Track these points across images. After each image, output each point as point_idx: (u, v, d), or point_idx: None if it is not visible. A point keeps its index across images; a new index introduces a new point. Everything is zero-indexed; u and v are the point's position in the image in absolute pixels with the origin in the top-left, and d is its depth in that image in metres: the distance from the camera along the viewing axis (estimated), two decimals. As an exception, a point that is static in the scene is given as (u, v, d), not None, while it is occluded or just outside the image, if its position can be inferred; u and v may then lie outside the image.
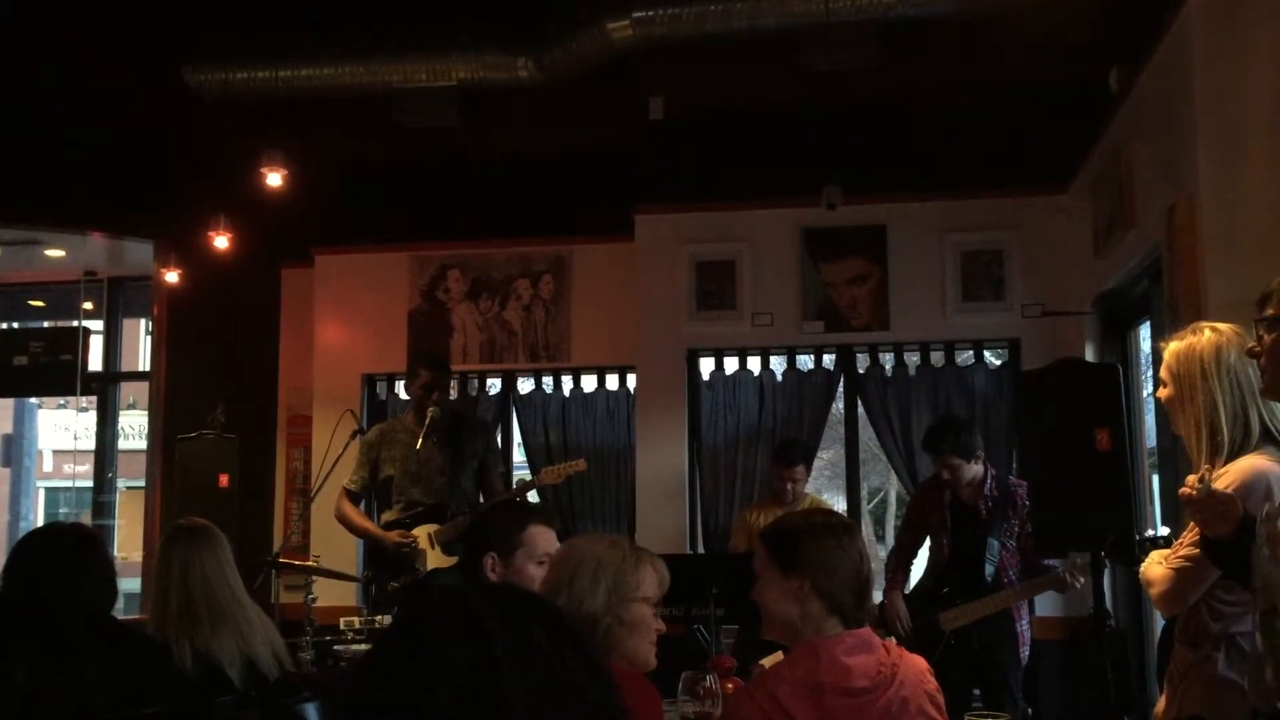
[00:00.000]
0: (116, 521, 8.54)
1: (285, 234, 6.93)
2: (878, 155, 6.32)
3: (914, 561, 5.43)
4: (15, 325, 9.06)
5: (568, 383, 6.91)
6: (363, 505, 5.60)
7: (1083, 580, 4.58)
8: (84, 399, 8.28)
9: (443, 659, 0.92)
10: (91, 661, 2.90)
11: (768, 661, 2.75)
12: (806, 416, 6.43)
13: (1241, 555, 2.24)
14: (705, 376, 6.56)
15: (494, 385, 7.05)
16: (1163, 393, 2.78)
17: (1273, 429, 2.61)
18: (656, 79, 5.95)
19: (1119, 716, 4.45)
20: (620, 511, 6.62)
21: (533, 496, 6.52)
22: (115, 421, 8.34)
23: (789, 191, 6.31)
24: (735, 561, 4.68)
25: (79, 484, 9.61)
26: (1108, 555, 3.69)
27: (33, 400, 12.72)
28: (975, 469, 4.98)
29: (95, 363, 8.06)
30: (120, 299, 8.24)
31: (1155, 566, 2.73)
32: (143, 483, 7.62)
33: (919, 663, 2.36)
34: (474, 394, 6.99)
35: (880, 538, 16.28)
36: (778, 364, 6.63)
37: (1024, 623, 5.00)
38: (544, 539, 2.96)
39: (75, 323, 8.00)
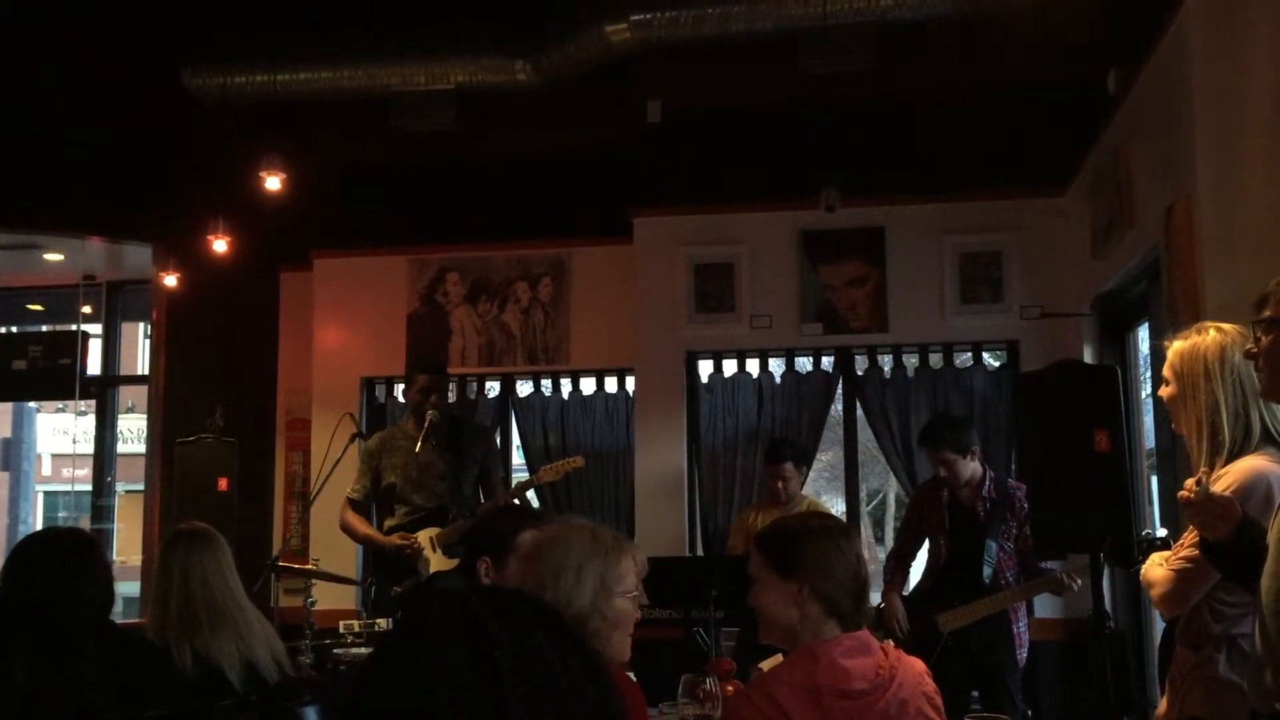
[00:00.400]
0: (115, 525, 8.53)
1: (284, 237, 6.93)
2: (876, 157, 6.33)
3: (913, 563, 5.43)
4: (14, 329, 9.06)
5: (566, 385, 6.91)
6: (366, 513, 5.60)
7: (1080, 582, 4.59)
8: (83, 403, 8.27)
9: (443, 661, 0.91)
10: (91, 665, 2.90)
11: (767, 664, 2.75)
12: (805, 418, 6.43)
13: (1240, 557, 2.24)
14: (704, 379, 6.56)
15: (493, 388, 7.05)
16: (1165, 391, 2.78)
17: (1273, 430, 2.61)
18: (655, 81, 5.95)
19: (1118, 718, 4.45)
20: (619, 514, 6.62)
21: (532, 497, 6.53)
22: (114, 425, 8.33)
23: (787, 193, 6.31)
24: (734, 563, 4.66)
25: (78, 488, 9.59)
26: (1106, 557, 3.69)
27: (31, 404, 12.73)
28: (972, 467, 4.98)
29: (94, 366, 8.06)
30: (119, 302, 8.23)
31: (1156, 568, 2.73)
32: (142, 486, 7.62)
33: (917, 664, 2.36)
34: (473, 397, 6.99)
35: (879, 539, 16.28)
36: (776, 366, 6.63)
37: (1022, 624, 5.00)
38: None
39: (74, 326, 7.99)
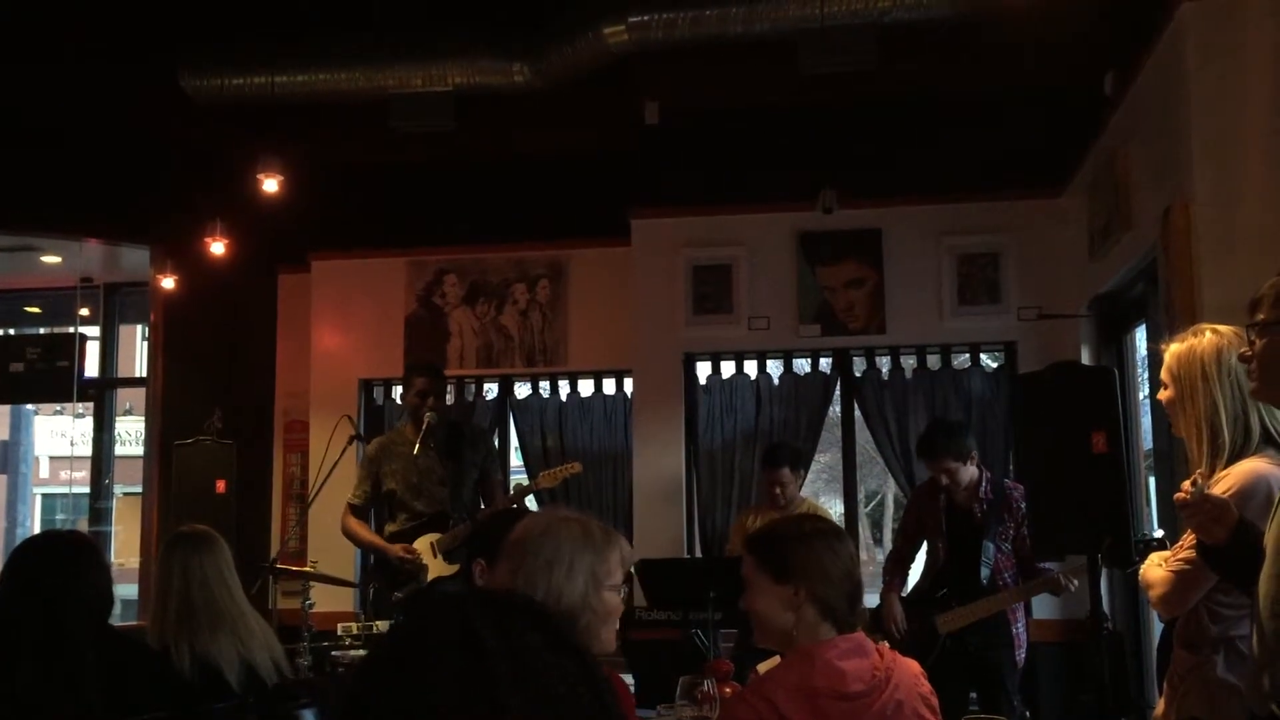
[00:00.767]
0: (113, 528, 8.52)
1: (282, 239, 6.93)
2: (873, 159, 6.33)
3: (911, 565, 5.43)
4: (11, 332, 9.05)
5: (565, 387, 6.91)
6: (367, 517, 5.61)
7: (1076, 583, 4.59)
8: (80, 405, 8.26)
9: (437, 665, 0.91)
10: (90, 668, 2.90)
11: (765, 666, 2.75)
12: (803, 420, 6.44)
13: (1238, 560, 2.24)
14: (702, 380, 6.57)
15: (491, 390, 7.05)
16: (1163, 394, 2.78)
17: (1273, 431, 2.61)
18: (652, 83, 5.95)
19: (1116, 719, 4.46)
20: (618, 515, 6.62)
21: (531, 500, 6.52)
22: (112, 427, 8.32)
23: (785, 195, 6.32)
24: (733, 565, 4.66)
25: (76, 490, 9.58)
26: (1104, 558, 3.69)
27: (29, 407, 12.73)
28: (971, 470, 4.99)
29: (92, 369, 8.05)
30: (117, 305, 8.22)
31: (1155, 569, 2.74)
32: (140, 489, 7.61)
33: (912, 665, 2.36)
34: (471, 399, 6.99)
35: (878, 540, 16.29)
36: (774, 367, 6.64)
37: (1020, 625, 5.00)
38: None
39: (71, 329, 7.98)
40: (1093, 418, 3.75)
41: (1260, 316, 2.23)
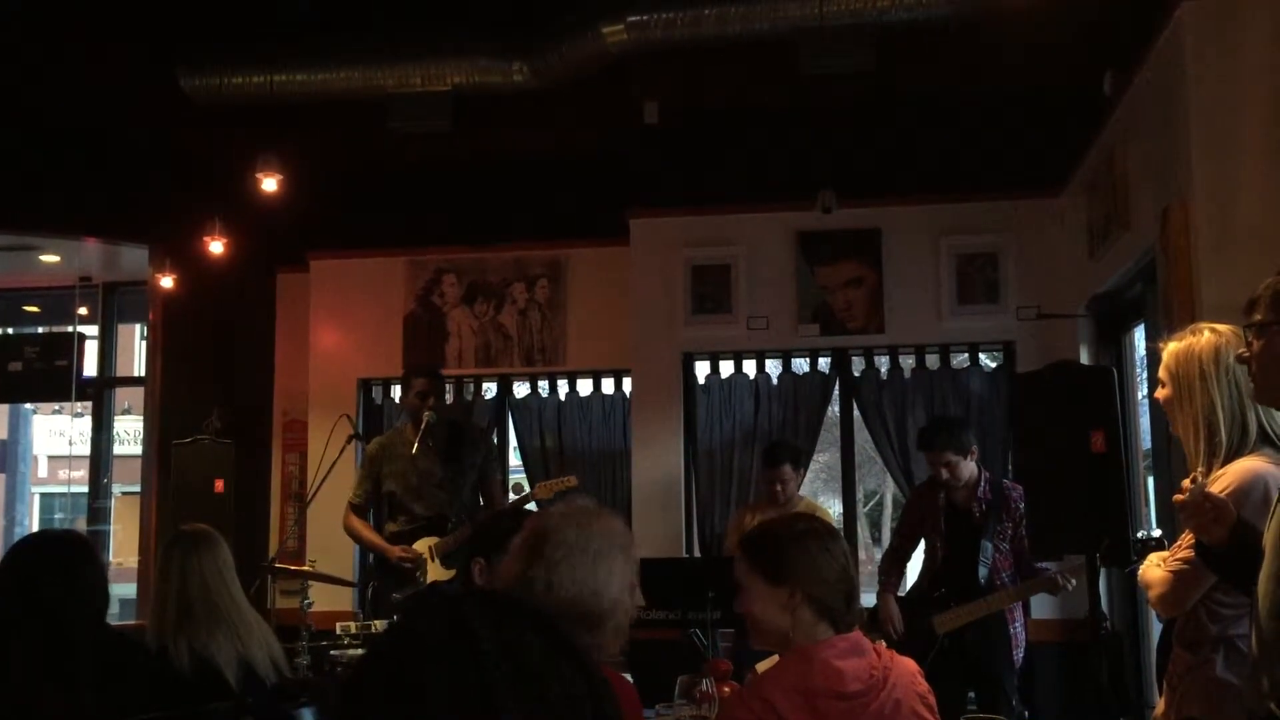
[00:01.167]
0: (112, 527, 8.52)
1: (280, 239, 6.93)
2: (872, 158, 6.33)
3: (908, 564, 5.43)
4: (10, 331, 9.05)
5: (563, 387, 6.91)
6: (367, 516, 5.61)
7: (1074, 582, 4.60)
8: (79, 404, 8.25)
9: (432, 666, 0.91)
10: (87, 667, 2.90)
11: (764, 666, 2.75)
12: (802, 419, 6.44)
13: (1237, 561, 2.24)
14: (701, 380, 6.56)
15: (490, 389, 7.05)
16: (1161, 393, 2.78)
17: (1270, 430, 2.61)
18: (651, 83, 5.95)
19: (1115, 718, 4.46)
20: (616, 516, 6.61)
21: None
22: (110, 427, 8.32)
23: (784, 195, 6.32)
24: (731, 565, 4.67)
25: (74, 489, 9.57)
26: (1103, 558, 3.70)
27: (28, 406, 12.71)
28: (971, 466, 4.99)
29: (90, 368, 8.05)
30: (115, 304, 8.22)
31: (1154, 569, 2.73)
32: (138, 488, 7.61)
33: (909, 664, 2.36)
34: (470, 398, 6.98)
35: (877, 540, 16.29)
36: (773, 367, 6.64)
37: (1018, 625, 5.00)
38: None
39: (70, 328, 7.98)
40: (1091, 417, 3.75)
41: (1257, 317, 2.23)
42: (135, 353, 10.65)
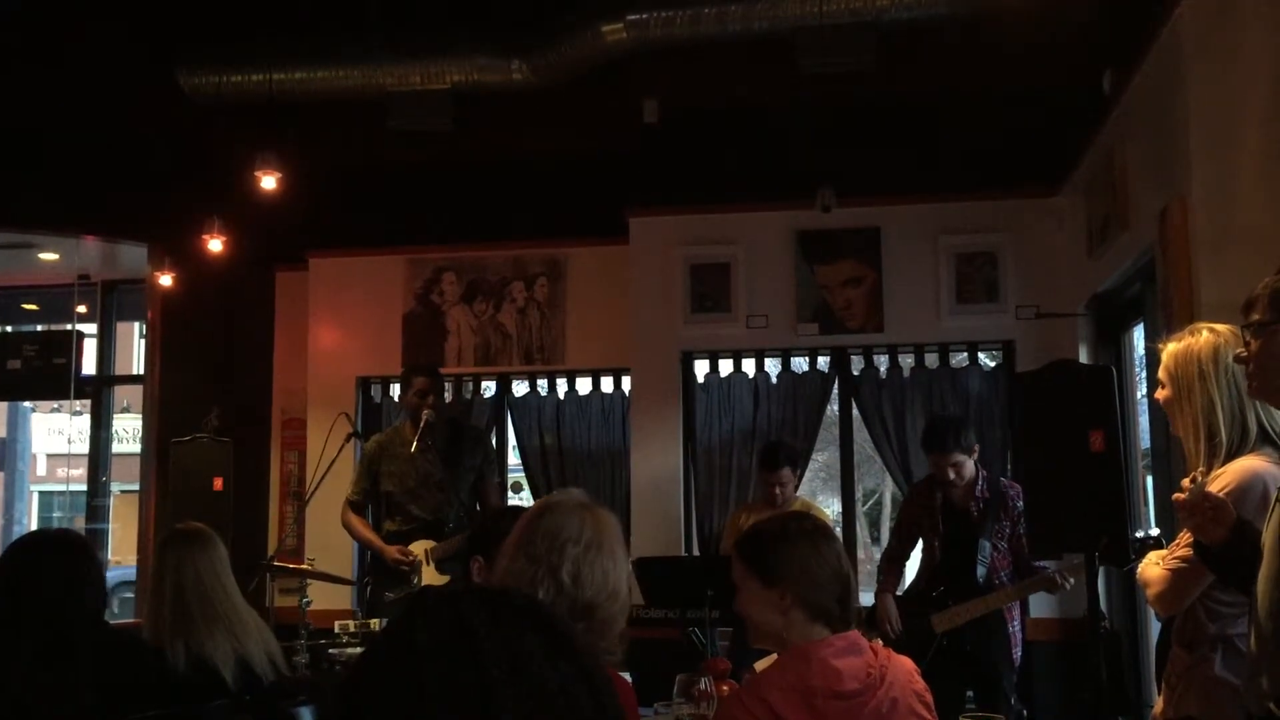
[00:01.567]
0: (110, 525, 8.52)
1: (279, 237, 6.92)
2: (871, 158, 6.33)
3: (906, 563, 5.43)
4: (8, 329, 9.04)
5: (562, 385, 6.91)
6: (365, 513, 5.61)
7: (1072, 581, 4.60)
8: (78, 403, 8.25)
9: (430, 663, 0.91)
10: (86, 666, 2.89)
11: (762, 665, 2.75)
12: (801, 419, 6.44)
13: (1236, 560, 2.24)
14: (700, 379, 6.56)
15: (489, 388, 7.04)
16: (1161, 394, 2.78)
17: (1270, 430, 2.61)
18: (651, 81, 5.95)
19: (1113, 717, 4.46)
20: (615, 514, 6.59)
21: (526, 499, 6.52)
22: (109, 425, 8.32)
23: (783, 194, 6.31)
24: (730, 564, 4.67)
25: (73, 488, 9.57)
26: (1101, 557, 3.70)
27: (26, 404, 12.72)
28: (972, 465, 4.99)
29: (89, 366, 8.05)
30: (114, 302, 8.22)
31: (1152, 567, 2.74)
32: (137, 486, 7.61)
33: (906, 663, 2.36)
34: (469, 397, 6.98)
35: (875, 539, 16.29)
36: (772, 366, 6.64)
37: (1016, 624, 5.00)
38: None
39: (69, 326, 7.98)
40: (1090, 417, 3.75)
41: (1255, 317, 2.23)
42: (134, 351, 10.65)
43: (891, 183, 6.28)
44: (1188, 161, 4.04)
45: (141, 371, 7.77)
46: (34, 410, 13.80)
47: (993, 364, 6.52)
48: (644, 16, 5.15)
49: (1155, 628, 4.62)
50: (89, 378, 8.03)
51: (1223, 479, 2.53)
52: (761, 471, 5.56)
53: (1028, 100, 5.91)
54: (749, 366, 6.54)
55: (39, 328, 8.78)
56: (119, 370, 8.67)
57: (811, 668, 2.23)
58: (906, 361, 6.43)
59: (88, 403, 8.15)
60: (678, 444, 6.42)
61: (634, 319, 6.48)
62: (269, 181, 5.81)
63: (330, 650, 4.42)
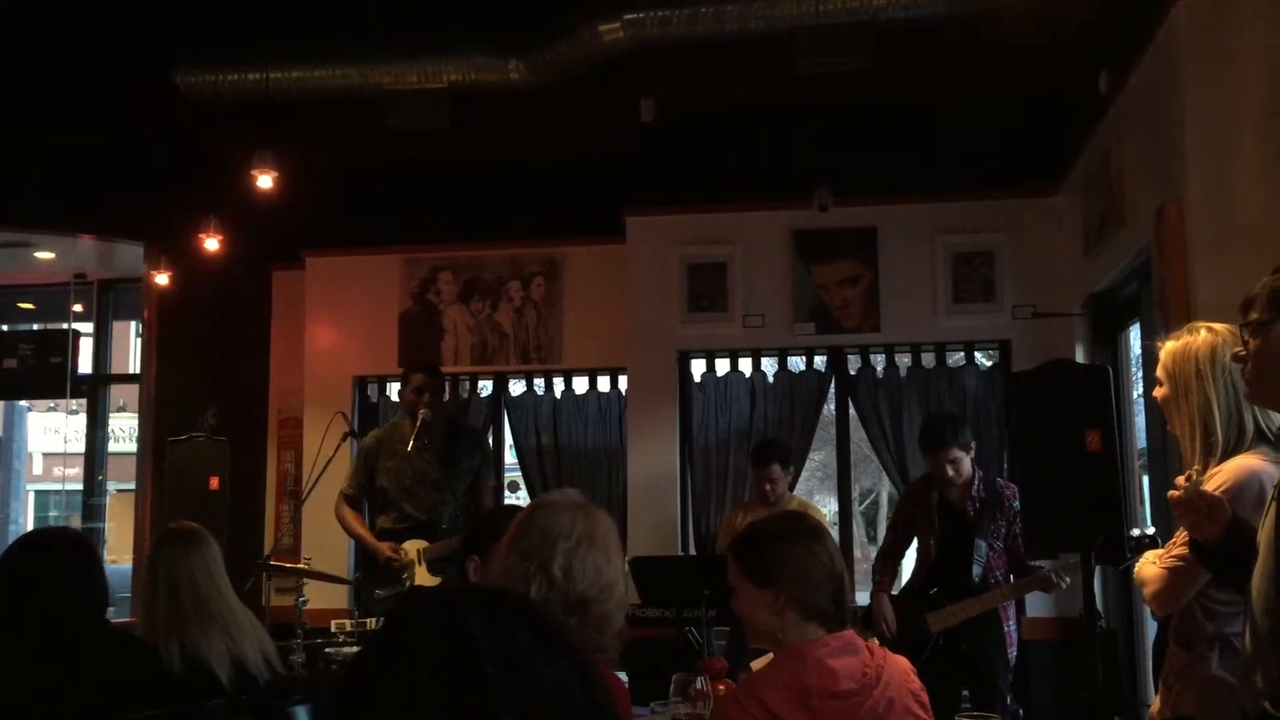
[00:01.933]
0: (107, 524, 8.50)
1: (276, 236, 6.92)
2: (868, 157, 6.33)
3: (901, 563, 5.43)
4: (4, 328, 9.02)
5: (559, 385, 6.91)
6: (360, 506, 5.60)
7: (1068, 580, 4.60)
8: (74, 402, 8.24)
9: (426, 662, 0.91)
10: (89, 664, 2.89)
11: (759, 664, 2.75)
12: (798, 418, 6.44)
13: (1231, 558, 2.24)
14: (696, 378, 6.57)
15: (485, 387, 7.04)
16: (1158, 392, 2.78)
17: (1266, 429, 2.61)
18: (648, 81, 5.95)
19: (1110, 717, 4.47)
20: (611, 513, 6.55)
21: (523, 499, 6.52)
22: (105, 424, 8.31)
23: (780, 193, 6.31)
24: (726, 564, 4.67)
25: (69, 487, 9.58)
26: (1097, 556, 3.70)
27: (22, 403, 12.69)
28: (969, 464, 4.99)
29: (85, 365, 8.04)
30: (110, 301, 8.21)
31: (1149, 566, 2.74)
32: (133, 486, 7.60)
33: (902, 662, 2.36)
34: (465, 396, 6.98)
35: (872, 539, 16.31)
36: (769, 365, 6.63)
37: (1011, 623, 5.00)
38: None
39: (65, 325, 7.97)
40: (1087, 416, 3.75)
41: (1254, 316, 2.23)
42: (130, 350, 10.64)
43: (888, 182, 6.29)
44: (1184, 161, 4.05)
45: (138, 371, 7.76)
46: (30, 409, 13.77)
47: (989, 364, 6.52)
48: (641, 16, 5.15)
49: (1151, 627, 4.63)
50: (85, 377, 8.02)
51: (1219, 477, 2.53)
52: (753, 468, 5.58)
53: (1024, 100, 5.91)
54: (745, 366, 6.54)
55: (35, 327, 8.77)
56: (115, 369, 8.66)
57: (807, 667, 2.23)
58: (903, 361, 6.43)
59: (84, 402, 8.14)
60: (674, 443, 6.42)
61: (631, 318, 6.48)
62: (265, 181, 5.80)
63: (327, 650, 4.41)
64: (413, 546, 5.23)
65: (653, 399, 6.41)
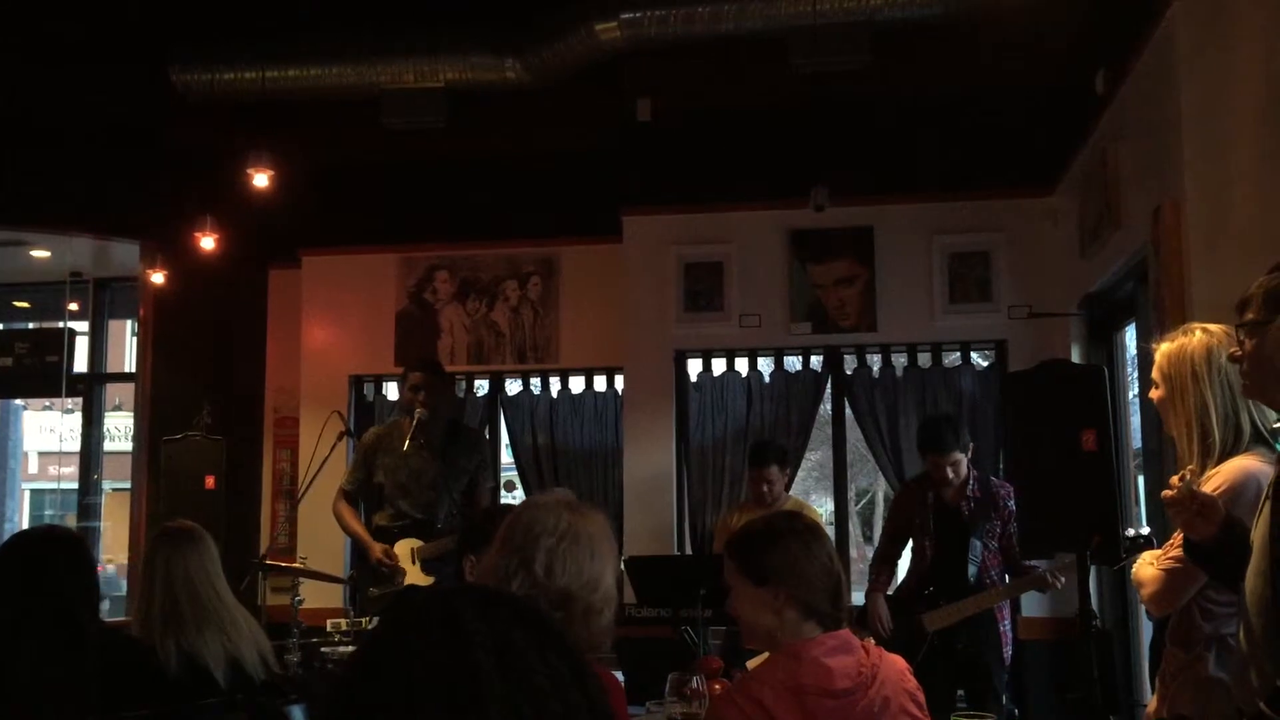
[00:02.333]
0: (102, 524, 8.50)
1: (272, 235, 6.91)
2: (865, 157, 6.33)
3: (897, 563, 5.43)
4: (0, 326, 9.02)
5: (555, 384, 6.91)
6: (357, 504, 5.60)
7: (1064, 580, 4.60)
8: (69, 400, 8.24)
9: (420, 659, 0.91)
10: (93, 660, 2.88)
11: (755, 663, 2.75)
12: (794, 418, 6.44)
13: (1225, 558, 2.24)
14: (693, 377, 6.57)
15: (481, 387, 7.04)
16: (1154, 394, 2.78)
17: (1263, 430, 2.61)
18: (644, 80, 5.95)
19: (1106, 716, 4.47)
20: (608, 513, 6.56)
21: (520, 498, 6.51)
22: (101, 423, 8.30)
23: (776, 193, 6.32)
24: (722, 563, 4.67)
25: (64, 486, 9.56)
26: (1093, 556, 3.70)
27: (18, 402, 12.67)
28: (966, 464, 4.99)
29: (81, 364, 8.02)
30: (106, 300, 8.20)
31: (1146, 567, 2.73)
32: (128, 485, 7.59)
33: (898, 662, 2.36)
34: (461, 395, 6.97)
35: (868, 538, 16.32)
36: (765, 365, 6.64)
37: (1007, 623, 5.01)
38: None
39: (61, 324, 7.96)
40: (1082, 416, 3.75)
41: (1250, 316, 2.23)
42: (126, 349, 10.61)
43: (885, 182, 6.29)
44: (1180, 161, 4.05)
45: (133, 369, 7.74)
46: (25, 408, 13.75)
47: (985, 364, 6.53)
48: (638, 15, 5.15)
49: (1147, 627, 4.63)
50: (81, 375, 8.00)
51: (1216, 479, 2.53)
52: (750, 469, 5.57)
53: (1021, 99, 5.92)
54: (742, 365, 6.54)
55: (30, 325, 8.76)
56: (111, 368, 8.64)
57: (803, 666, 2.23)
58: (899, 361, 6.43)
59: (79, 400, 8.13)
60: (670, 443, 6.42)
61: (627, 318, 6.47)
62: (262, 179, 5.80)
63: (322, 649, 4.41)
64: (406, 545, 5.22)
65: (649, 398, 6.41)
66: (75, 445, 8.29)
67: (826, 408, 6.68)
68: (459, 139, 6.34)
